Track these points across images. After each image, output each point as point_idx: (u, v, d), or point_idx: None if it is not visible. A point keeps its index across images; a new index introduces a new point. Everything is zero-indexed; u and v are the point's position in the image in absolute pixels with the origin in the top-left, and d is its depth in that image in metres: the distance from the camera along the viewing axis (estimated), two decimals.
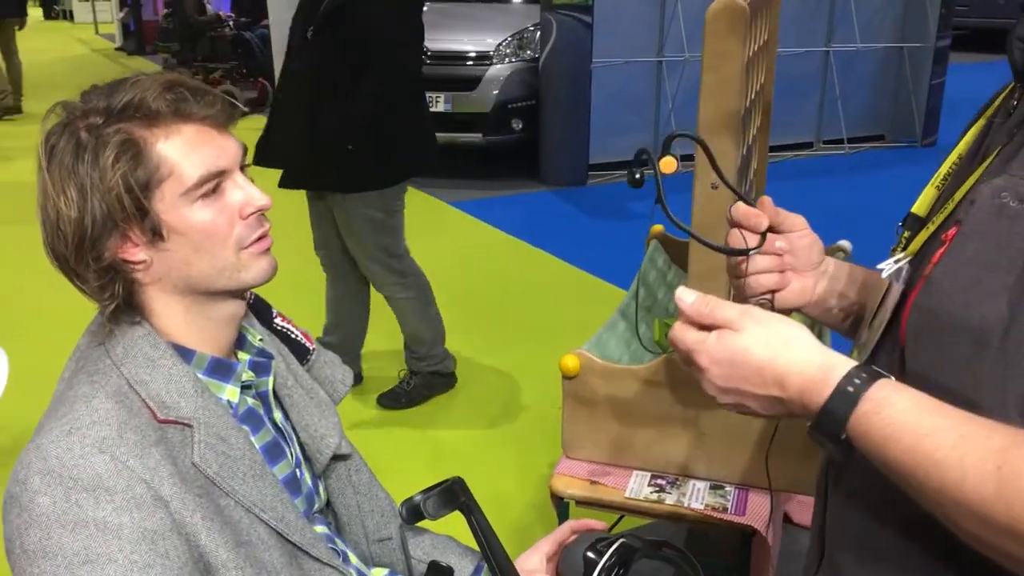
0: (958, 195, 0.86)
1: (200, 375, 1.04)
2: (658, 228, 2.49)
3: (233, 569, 0.97)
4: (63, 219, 0.96)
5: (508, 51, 6.60)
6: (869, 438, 0.77)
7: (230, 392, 1.07)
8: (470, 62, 6.58)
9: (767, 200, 1.06)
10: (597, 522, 1.40)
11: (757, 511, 1.67)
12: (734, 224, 1.05)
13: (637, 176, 1.03)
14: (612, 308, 2.17)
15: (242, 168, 1.06)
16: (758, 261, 1.06)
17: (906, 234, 0.94)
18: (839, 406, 0.78)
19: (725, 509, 1.68)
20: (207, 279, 1.03)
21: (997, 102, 0.93)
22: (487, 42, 6.63)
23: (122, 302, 1.00)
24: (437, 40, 6.59)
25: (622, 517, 1.87)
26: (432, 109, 6.49)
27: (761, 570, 1.69)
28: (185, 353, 1.04)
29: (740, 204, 1.04)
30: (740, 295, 1.09)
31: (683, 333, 0.88)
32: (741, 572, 1.74)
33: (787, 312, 1.04)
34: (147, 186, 0.97)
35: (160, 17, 12.47)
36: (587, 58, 6.33)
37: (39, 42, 6.06)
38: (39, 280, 3.09)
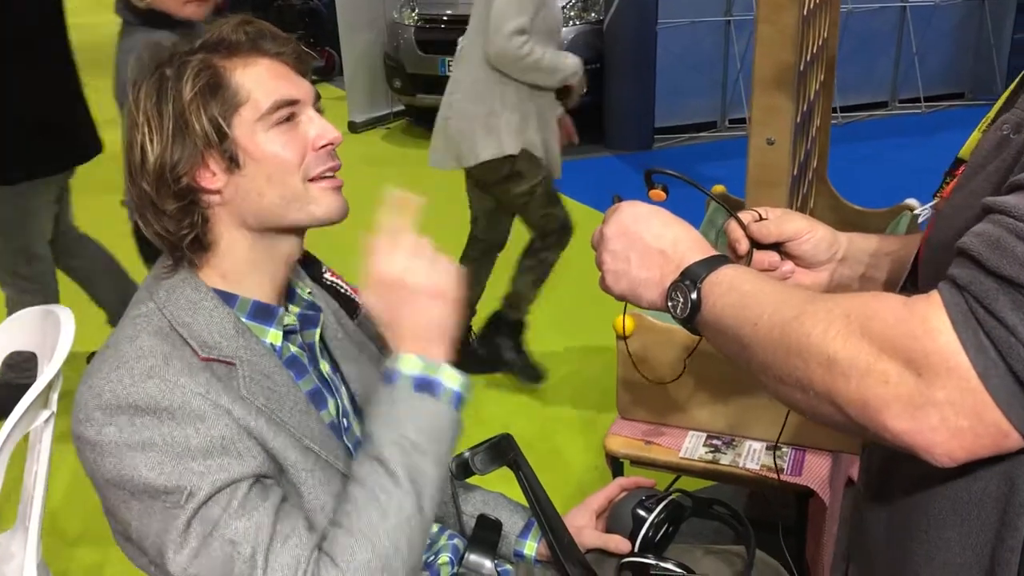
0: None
1: (244, 319, 1.07)
2: (719, 188, 2.45)
3: (303, 471, 1.02)
4: (147, 155, 1.01)
5: (572, 13, 6.52)
6: (717, 287, 0.85)
7: (273, 336, 1.10)
8: None
9: (753, 214, 1.07)
10: (646, 479, 1.40)
11: (814, 471, 1.65)
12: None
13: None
14: None
15: (317, 108, 1.09)
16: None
17: (947, 179, 0.92)
18: (705, 265, 0.88)
19: (781, 470, 1.66)
20: (277, 211, 1.06)
21: None
22: None
23: (198, 234, 1.04)
24: None
25: (678, 477, 1.87)
26: None
27: (819, 533, 1.67)
28: (228, 297, 1.07)
29: (730, 223, 1.07)
30: None
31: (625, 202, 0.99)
32: (797, 535, 1.72)
33: None
34: (225, 110, 1.01)
35: None
36: (652, 19, 6.21)
37: (93, 16, 6.18)
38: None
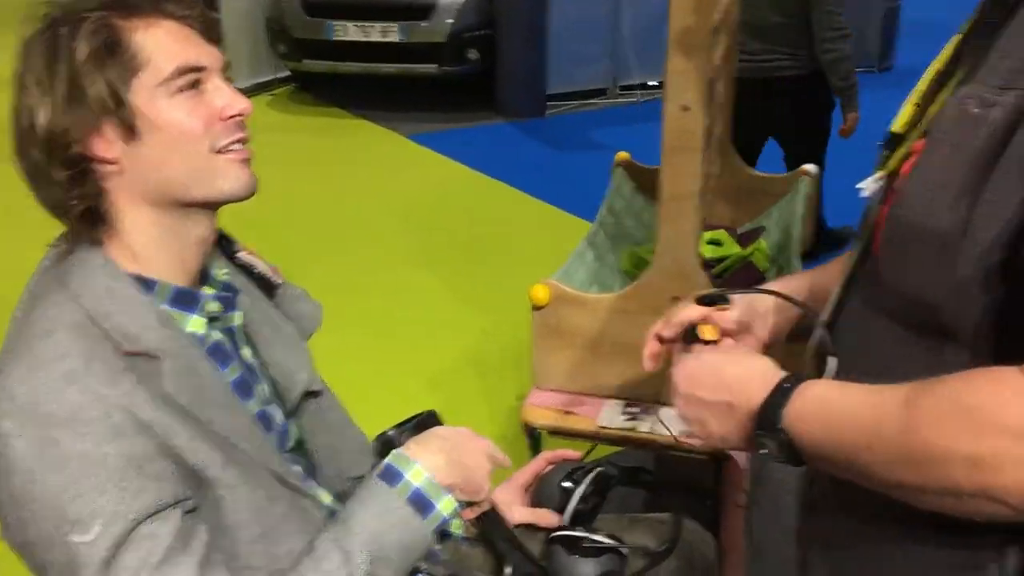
0: (932, 110, 0.86)
1: (164, 306, 1.00)
2: (624, 155, 2.45)
3: (225, 488, 0.96)
4: (37, 121, 0.93)
5: None
6: (805, 419, 0.83)
7: (195, 323, 1.03)
8: None
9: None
10: (572, 452, 1.39)
11: None
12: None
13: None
14: (577, 239, 2.14)
15: (225, 77, 1.02)
16: None
17: (885, 153, 0.93)
18: (777, 399, 0.85)
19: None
20: (181, 183, 0.99)
21: (972, 19, 0.91)
22: None
23: (91, 208, 0.96)
24: None
25: (595, 446, 1.87)
26: (385, 39, 6.35)
27: (733, 495, 1.70)
28: (147, 283, 0.99)
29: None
30: None
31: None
32: (713, 497, 1.75)
33: None
34: (123, 74, 0.94)
35: None
36: None
37: None
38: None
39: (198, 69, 0.98)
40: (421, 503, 1.01)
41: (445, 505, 1.02)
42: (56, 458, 0.86)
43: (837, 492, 0.95)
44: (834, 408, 0.81)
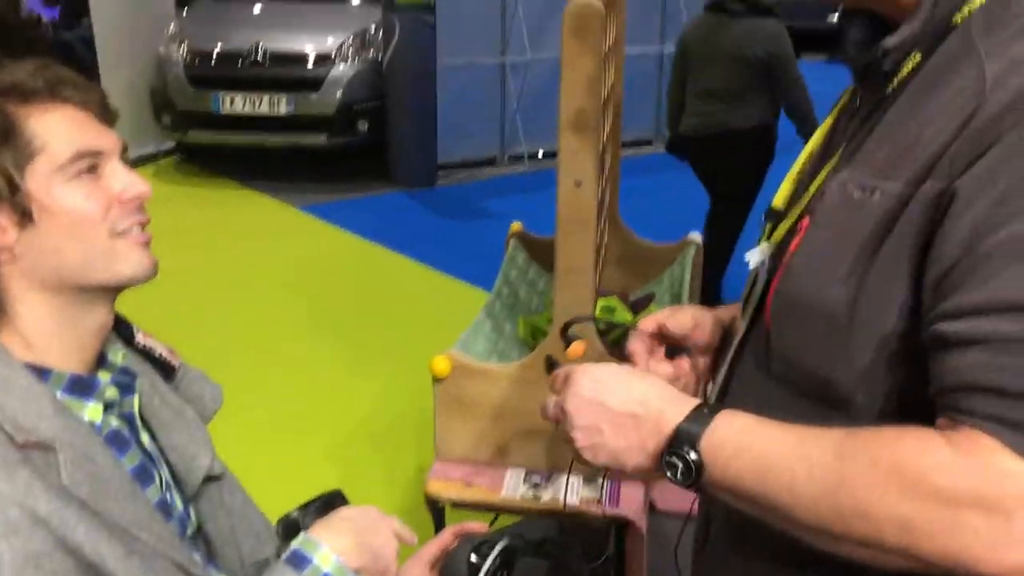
0: (812, 188, 0.92)
1: (59, 394, 0.97)
2: (517, 226, 2.50)
3: (135, 567, 0.92)
4: None
5: (350, 51, 6.50)
6: (724, 450, 0.81)
7: (92, 411, 1.00)
8: (310, 63, 6.44)
9: (649, 323, 1.13)
10: (478, 524, 1.39)
11: (631, 501, 1.71)
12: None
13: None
14: (470, 307, 2.17)
15: (123, 159, 1.00)
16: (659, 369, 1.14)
17: (768, 225, 0.99)
18: (694, 424, 0.83)
19: (599, 501, 1.70)
20: (79, 269, 0.96)
21: (842, 102, 0.99)
22: (327, 42, 6.51)
23: None
24: (276, 40, 6.43)
25: (497, 516, 1.87)
26: (274, 112, 6.34)
27: (636, 558, 1.73)
28: (41, 372, 0.96)
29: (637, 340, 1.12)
30: None
31: (569, 368, 0.96)
32: (616, 561, 1.77)
33: None
34: (17, 160, 0.92)
35: None
36: (431, 59, 6.31)
37: None
38: None
39: (95, 154, 0.97)
40: None
41: None
42: None
43: (730, 534, 0.98)
44: (758, 444, 0.80)
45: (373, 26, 6.56)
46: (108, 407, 1.02)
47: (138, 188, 0.99)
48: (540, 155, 7.06)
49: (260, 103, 6.34)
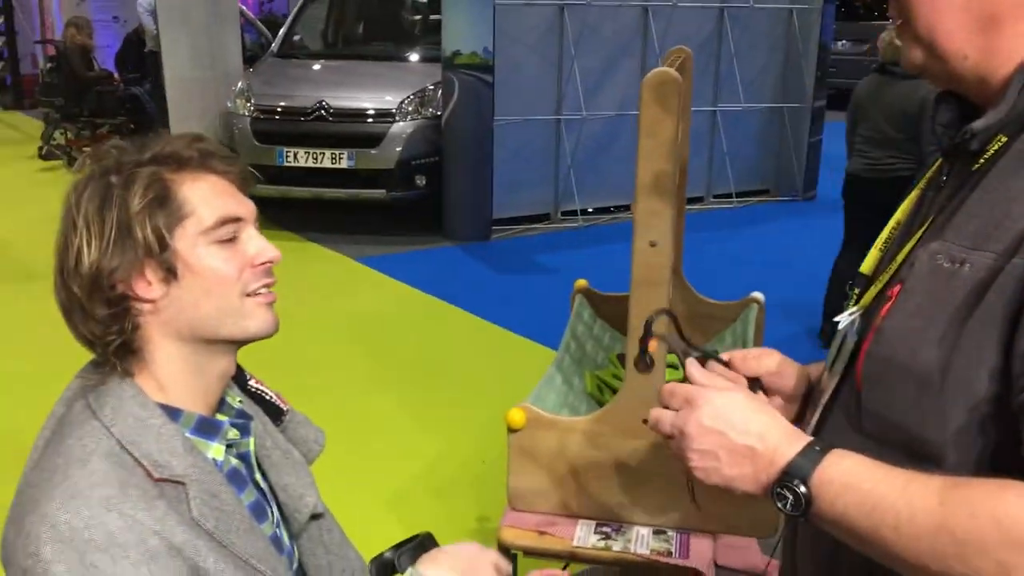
0: (900, 257, 0.98)
1: (188, 434, 1.05)
2: (582, 283, 2.57)
3: None
4: (83, 260, 0.99)
5: (410, 108, 6.69)
6: (832, 486, 0.88)
7: (216, 451, 1.08)
8: (371, 119, 6.64)
9: (737, 356, 1.17)
10: (557, 571, 1.44)
11: (700, 553, 1.74)
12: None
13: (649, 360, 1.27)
14: (524, 359, 2.23)
15: (256, 226, 1.10)
16: None
17: (856, 291, 1.05)
18: (807, 459, 0.90)
19: (670, 553, 1.74)
20: (212, 323, 1.05)
21: (929, 175, 1.05)
22: (388, 100, 6.71)
23: (126, 340, 1.02)
24: (339, 97, 6.65)
25: (567, 565, 1.91)
26: (335, 165, 6.53)
27: None
28: (173, 413, 1.05)
29: (717, 366, 1.15)
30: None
31: (690, 389, 0.99)
32: None
33: None
34: (169, 223, 1.02)
35: (40, 71, 12.11)
36: (488, 116, 6.47)
37: None
38: None
39: (236, 220, 1.06)
40: None
41: None
42: None
43: None
44: (864, 483, 0.86)
45: (432, 84, 6.76)
46: (228, 447, 1.10)
47: (269, 254, 1.09)
48: (592, 211, 7.16)
49: (322, 158, 6.54)
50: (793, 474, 0.90)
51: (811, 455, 0.90)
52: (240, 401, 1.18)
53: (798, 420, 1.17)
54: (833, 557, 1.00)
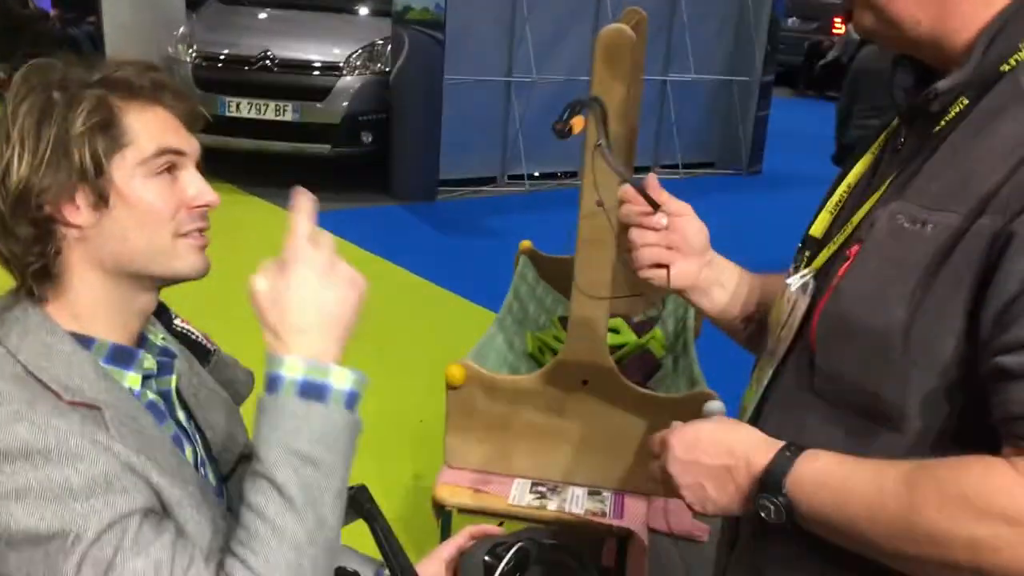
0: (856, 217, 0.98)
1: (101, 363, 1.02)
2: (527, 244, 2.56)
3: (188, 507, 0.96)
4: (11, 174, 0.95)
5: (358, 63, 6.57)
6: (806, 487, 0.90)
7: (131, 380, 1.05)
8: (318, 72, 6.50)
9: (654, 179, 1.18)
10: (494, 527, 1.44)
11: (634, 514, 1.75)
12: (624, 202, 1.18)
13: (566, 129, 1.17)
14: (466, 320, 2.22)
15: (199, 167, 1.06)
16: (645, 235, 1.17)
17: (807, 253, 1.05)
18: (779, 466, 0.92)
19: (604, 513, 1.75)
20: (139, 258, 1.02)
21: (883, 138, 1.05)
22: (336, 52, 6.58)
23: (46, 264, 0.98)
24: (285, 48, 6.49)
25: (502, 524, 1.91)
26: (279, 118, 6.39)
27: (638, 571, 1.77)
28: (85, 341, 1.01)
29: (628, 187, 1.16)
30: (630, 269, 1.20)
31: (664, 433, 1.04)
32: (616, 574, 1.82)
33: (677, 291, 1.20)
34: (109, 148, 0.98)
35: None
36: (438, 74, 6.38)
37: None
38: None
39: (178, 152, 1.03)
40: (311, 391, 0.95)
41: (337, 378, 0.97)
42: (16, 489, 0.87)
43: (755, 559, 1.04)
44: (834, 479, 0.88)
45: (381, 39, 6.64)
46: (146, 379, 1.07)
47: (208, 197, 1.06)
48: (538, 175, 7.13)
49: (266, 109, 6.40)
50: (768, 483, 0.91)
51: (783, 461, 0.91)
52: (163, 339, 1.15)
53: (746, 321, 1.19)
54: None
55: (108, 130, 0.98)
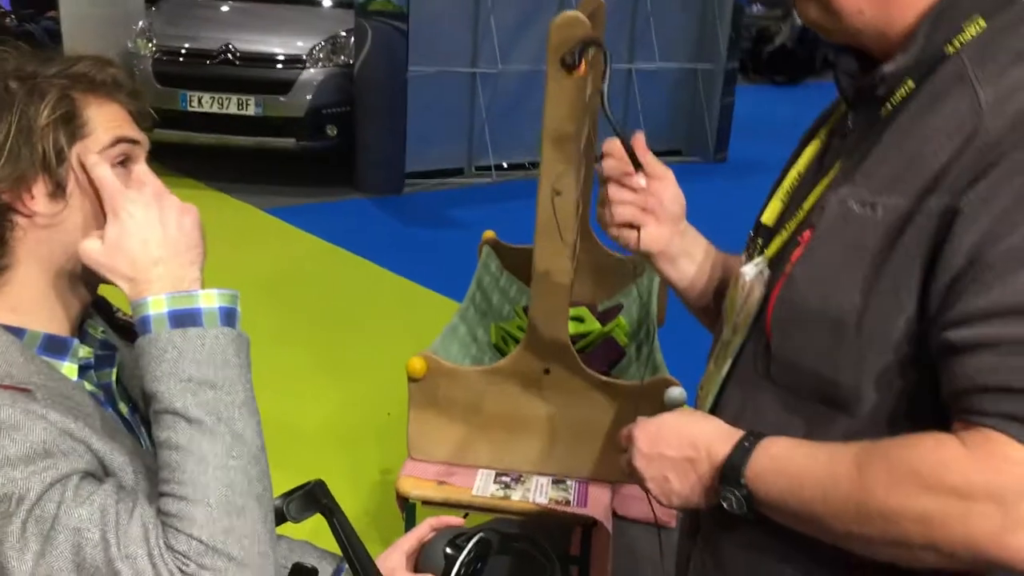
0: (807, 203, 0.98)
1: (35, 352, 1.00)
2: (490, 234, 2.55)
3: (132, 472, 0.96)
4: None
5: (321, 55, 6.51)
6: (764, 476, 0.91)
7: (68, 370, 1.03)
8: (281, 65, 6.44)
9: (640, 138, 1.17)
10: (455, 518, 1.43)
11: (598, 502, 1.75)
12: (607, 156, 1.17)
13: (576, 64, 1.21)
14: (434, 313, 2.21)
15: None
16: (622, 192, 1.16)
17: (759, 241, 1.04)
18: (738, 456, 0.93)
19: (568, 502, 1.75)
20: None
21: (831, 123, 1.05)
22: (298, 45, 6.52)
23: None
24: (246, 41, 6.42)
25: (466, 515, 1.91)
26: (242, 112, 6.32)
27: (602, 559, 1.78)
28: (15, 331, 1.00)
29: (615, 140, 1.15)
30: (603, 223, 1.20)
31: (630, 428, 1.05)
32: (583, 563, 1.82)
33: (645, 256, 1.19)
34: (70, 139, 0.98)
35: None
36: (402, 66, 6.34)
37: None
38: None
39: (132, 142, 1.03)
40: (183, 319, 0.94)
41: (205, 299, 0.95)
42: None
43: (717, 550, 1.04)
44: (791, 466, 0.89)
45: (344, 31, 6.58)
46: (84, 370, 1.06)
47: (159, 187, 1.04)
48: (506, 166, 7.12)
49: (228, 103, 6.33)
50: (728, 474, 0.92)
51: (741, 452, 0.92)
52: (103, 332, 1.13)
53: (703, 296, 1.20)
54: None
55: (70, 122, 0.98)
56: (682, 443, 0.97)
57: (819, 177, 0.99)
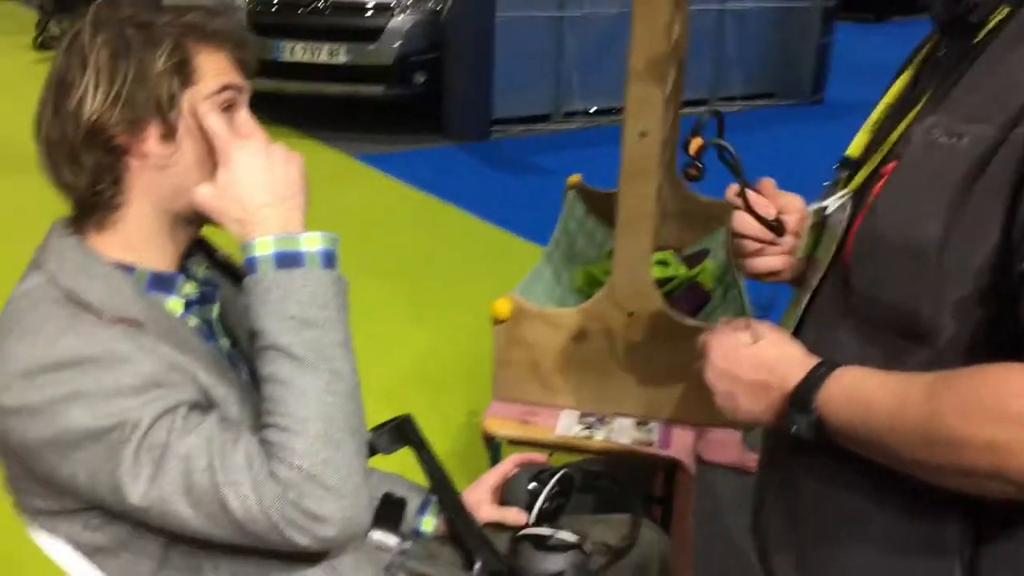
0: (894, 136, 0.96)
1: (143, 287, 1.07)
2: (575, 178, 2.54)
3: (234, 404, 1.02)
4: (84, 105, 0.99)
5: (410, 2, 6.52)
6: (835, 403, 0.90)
7: (173, 304, 1.09)
8: (369, 12, 6.47)
9: (769, 184, 1.15)
10: (538, 456, 1.46)
11: (681, 445, 1.76)
12: (747, 210, 1.13)
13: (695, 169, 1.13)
14: (521, 259, 2.22)
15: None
16: (770, 261, 1.16)
17: (844, 174, 1.03)
18: (813, 381, 0.92)
19: (651, 444, 1.76)
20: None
21: (923, 53, 1.02)
22: None
23: (106, 194, 1.03)
24: None
25: (551, 454, 1.94)
26: (333, 60, 6.40)
27: (684, 500, 1.79)
28: (126, 268, 1.06)
29: (744, 216, 1.13)
30: (739, 271, 1.21)
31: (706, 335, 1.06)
32: (666, 503, 1.84)
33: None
34: (182, 84, 1.03)
35: None
36: (490, 11, 6.31)
37: None
38: None
39: (238, 88, 1.07)
40: (288, 260, 1.00)
41: (308, 242, 1.01)
42: (70, 395, 0.94)
43: (785, 496, 1.05)
44: (862, 393, 0.88)
45: None
46: (188, 306, 1.11)
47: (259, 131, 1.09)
48: (594, 111, 7.05)
49: (319, 52, 6.41)
50: (800, 399, 0.92)
51: (814, 378, 0.92)
52: (207, 268, 1.19)
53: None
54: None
55: (182, 69, 1.02)
56: (758, 366, 0.98)
57: (907, 108, 0.97)
